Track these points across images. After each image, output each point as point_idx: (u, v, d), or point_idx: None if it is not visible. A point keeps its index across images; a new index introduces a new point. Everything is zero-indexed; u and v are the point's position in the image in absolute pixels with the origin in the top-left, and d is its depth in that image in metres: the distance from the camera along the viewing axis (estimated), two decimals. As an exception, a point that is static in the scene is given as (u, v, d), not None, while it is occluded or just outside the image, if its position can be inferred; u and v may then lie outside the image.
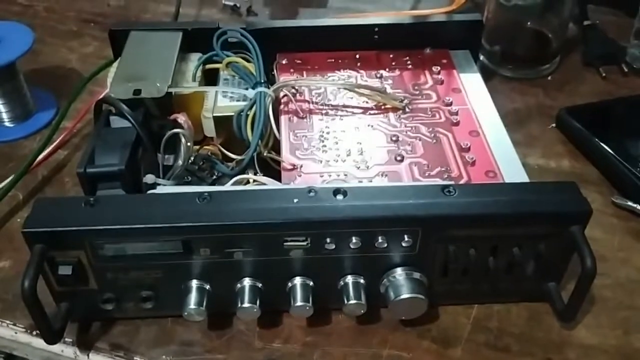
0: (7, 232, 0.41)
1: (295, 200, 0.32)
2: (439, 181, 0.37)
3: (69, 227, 0.31)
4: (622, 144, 0.45)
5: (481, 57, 0.54)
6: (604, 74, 0.54)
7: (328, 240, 0.32)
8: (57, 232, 0.31)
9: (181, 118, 0.37)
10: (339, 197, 0.32)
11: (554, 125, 0.49)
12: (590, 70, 0.55)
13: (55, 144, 0.47)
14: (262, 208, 0.32)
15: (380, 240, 0.32)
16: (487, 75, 0.54)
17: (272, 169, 0.40)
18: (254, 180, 0.36)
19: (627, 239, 0.41)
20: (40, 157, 0.46)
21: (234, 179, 0.36)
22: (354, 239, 0.32)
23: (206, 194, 0.32)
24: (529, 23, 0.54)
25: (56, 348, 0.35)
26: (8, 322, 0.36)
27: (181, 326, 0.36)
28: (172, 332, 0.35)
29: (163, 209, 0.31)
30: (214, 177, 0.40)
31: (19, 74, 0.49)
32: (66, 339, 0.35)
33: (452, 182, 0.36)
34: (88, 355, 0.35)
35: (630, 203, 0.42)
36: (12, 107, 0.49)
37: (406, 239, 0.32)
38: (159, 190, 0.34)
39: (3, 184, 0.43)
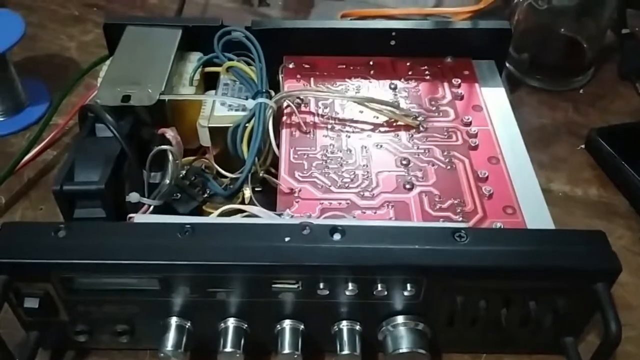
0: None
1: (287, 239, 0.29)
2: (450, 216, 0.33)
3: (34, 260, 0.28)
4: (657, 174, 0.41)
5: (507, 65, 0.50)
6: (641, 90, 0.50)
7: (321, 285, 0.29)
8: (21, 263, 0.28)
9: (169, 133, 0.34)
10: (336, 236, 0.29)
11: (582, 146, 0.45)
12: (626, 84, 0.50)
13: (44, 142, 0.44)
14: (249, 247, 0.28)
15: (379, 288, 0.29)
16: (513, 85, 0.50)
17: (271, 185, 0.37)
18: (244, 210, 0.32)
19: (657, 284, 0.37)
20: (28, 156, 0.43)
21: (220, 209, 0.33)
22: (350, 286, 0.29)
23: (188, 226, 0.29)
24: (562, 29, 0.50)
25: (26, 377, 0.32)
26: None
27: (160, 361, 0.33)
28: (150, 367, 0.33)
29: (139, 243, 0.28)
30: (206, 195, 0.36)
31: (9, 65, 0.46)
32: (37, 368, 0.33)
33: (463, 223, 0.32)
34: (59, 387, 0.32)
35: (662, 243, 0.39)
36: (0, 100, 0.46)
37: (409, 288, 0.29)
38: (138, 219, 0.31)
39: (-16, 186, 0.40)
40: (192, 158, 0.39)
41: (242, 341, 0.30)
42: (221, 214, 0.32)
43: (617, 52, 0.52)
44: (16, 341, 0.31)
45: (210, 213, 0.35)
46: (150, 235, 0.29)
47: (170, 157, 0.33)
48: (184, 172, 0.37)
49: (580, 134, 0.46)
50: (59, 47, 0.54)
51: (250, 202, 0.36)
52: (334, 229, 0.29)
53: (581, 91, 0.50)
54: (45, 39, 0.54)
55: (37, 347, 0.32)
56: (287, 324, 0.30)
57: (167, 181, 0.34)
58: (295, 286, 0.29)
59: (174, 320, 0.30)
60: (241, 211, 0.32)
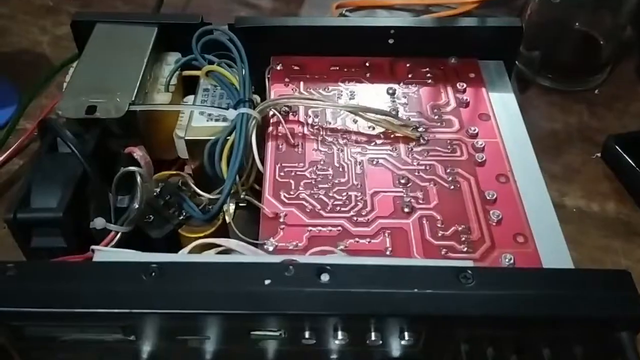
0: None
1: (267, 282, 0.25)
2: (454, 245, 0.30)
3: (-24, 307, 0.24)
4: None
5: (517, 63, 0.46)
6: (662, 90, 0.46)
7: (307, 334, 0.25)
8: (-39, 310, 0.24)
9: (137, 153, 0.30)
10: (324, 277, 0.25)
11: (598, 154, 0.41)
12: (646, 84, 0.47)
13: (10, 150, 0.41)
14: (223, 292, 0.25)
15: (373, 338, 0.25)
16: (523, 85, 0.46)
17: (258, 196, 0.33)
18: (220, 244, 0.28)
19: (682, 315, 0.33)
20: (-9, 166, 0.39)
21: (192, 245, 0.29)
22: (339, 335, 0.25)
23: (154, 265, 0.25)
24: (577, 24, 0.46)
25: None
26: None
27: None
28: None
29: (98, 287, 0.25)
30: (182, 217, 0.33)
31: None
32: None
33: (469, 254, 0.29)
34: None
35: (688, 268, 0.35)
36: (-38, 103, 0.42)
37: (406, 337, 0.25)
38: (98, 255, 0.27)
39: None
40: (167, 173, 0.35)
41: (219, 391, 0.27)
42: (194, 249, 0.28)
43: (637, 49, 0.48)
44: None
45: (188, 238, 0.32)
46: (110, 278, 0.25)
47: (139, 179, 0.30)
48: (158, 190, 0.33)
49: (596, 141, 0.42)
50: (30, 42, 0.50)
51: (230, 227, 0.32)
52: (321, 269, 0.25)
53: (597, 91, 0.46)
54: (15, 33, 0.50)
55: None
56: (269, 373, 0.27)
57: (136, 206, 0.30)
58: (277, 334, 0.25)
59: (141, 369, 0.27)
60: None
